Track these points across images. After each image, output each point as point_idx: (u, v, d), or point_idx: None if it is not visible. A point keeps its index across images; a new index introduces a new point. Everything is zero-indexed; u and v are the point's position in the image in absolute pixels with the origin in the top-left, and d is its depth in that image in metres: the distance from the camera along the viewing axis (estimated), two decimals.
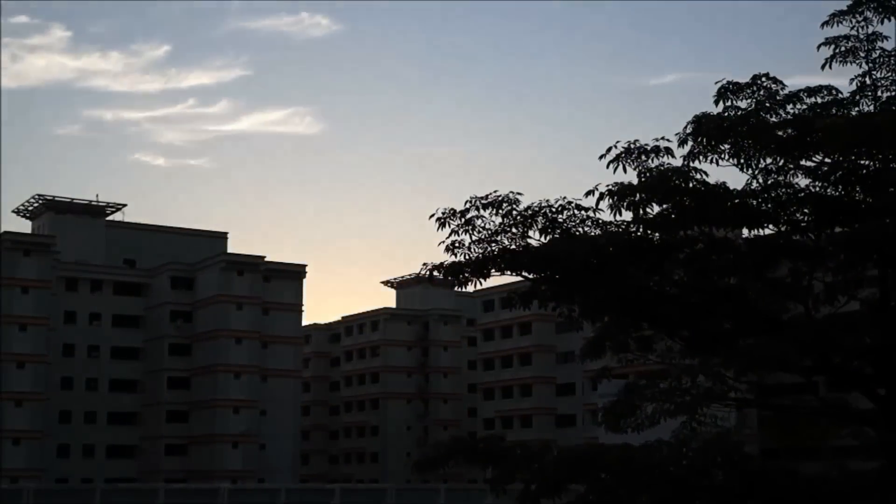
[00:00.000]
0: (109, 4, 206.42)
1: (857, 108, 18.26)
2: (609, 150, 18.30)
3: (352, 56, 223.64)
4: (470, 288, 19.42)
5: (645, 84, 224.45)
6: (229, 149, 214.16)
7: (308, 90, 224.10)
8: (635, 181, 18.09)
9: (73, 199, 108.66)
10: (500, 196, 18.55)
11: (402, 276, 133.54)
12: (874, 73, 18.30)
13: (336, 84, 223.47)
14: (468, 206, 18.60)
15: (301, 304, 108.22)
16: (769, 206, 18.17)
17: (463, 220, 18.57)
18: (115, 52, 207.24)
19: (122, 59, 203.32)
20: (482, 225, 18.60)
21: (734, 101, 18.60)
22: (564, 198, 18.47)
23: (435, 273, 19.02)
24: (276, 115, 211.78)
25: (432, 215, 18.55)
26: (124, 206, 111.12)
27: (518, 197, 18.57)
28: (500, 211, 18.53)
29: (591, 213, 18.37)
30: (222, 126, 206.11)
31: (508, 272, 19.02)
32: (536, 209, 18.46)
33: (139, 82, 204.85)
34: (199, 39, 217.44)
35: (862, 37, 18.23)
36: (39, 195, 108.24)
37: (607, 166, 18.25)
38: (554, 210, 18.41)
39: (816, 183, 18.00)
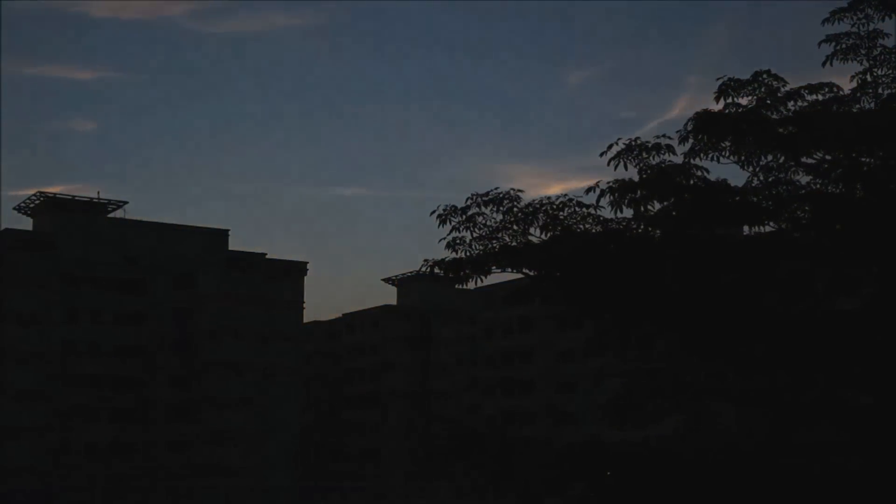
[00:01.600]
0: None
1: (857, 106, 18.27)
2: (610, 147, 18.31)
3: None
4: (471, 285, 19.39)
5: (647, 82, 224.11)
6: None
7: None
8: (636, 178, 18.11)
9: (74, 196, 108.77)
10: (500, 193, 18.56)
11: (403, 273, 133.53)
12: (875, 70, 18.29)
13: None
14: (469, 203, 18.61)
15: (302, 301, 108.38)
16: (770, 203, 18.17)
17: (464, 217, 18.57)
18: None
19: None
20: (483, 222, 18.60)
21: (735, 98, 18.60)
22: (565, 195, 18.48)
23: (436, 270, 19.00)
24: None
25: (433, 212, 18.58)
26: (125, 203, 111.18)
27: (519, 194, 18.59)
28: (501, 208, 18.52)
29: (591, 211, 18.36)
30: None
31: (509, 269, 19.01)
32: (537, 206, 18.45)
33: None
34: None
35: (863, 34, 18.22)
36: (41, 192, 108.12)
37: (608, 163, 18.26)
38: (555, 207, 18.40)
39: (817, 180, 18.00)
